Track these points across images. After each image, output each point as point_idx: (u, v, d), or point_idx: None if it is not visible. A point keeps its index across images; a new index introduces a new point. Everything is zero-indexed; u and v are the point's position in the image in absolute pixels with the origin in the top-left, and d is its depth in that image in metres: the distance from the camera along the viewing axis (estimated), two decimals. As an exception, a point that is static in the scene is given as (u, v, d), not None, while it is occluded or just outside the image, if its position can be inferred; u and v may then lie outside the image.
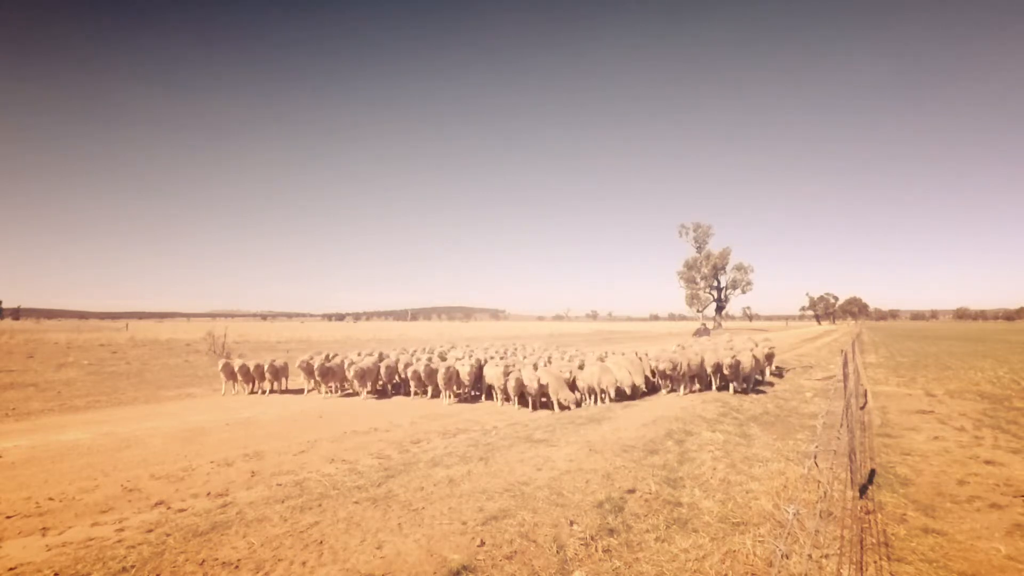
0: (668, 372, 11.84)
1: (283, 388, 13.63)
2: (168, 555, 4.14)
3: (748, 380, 12.82)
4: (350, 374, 12.35)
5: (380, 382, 13.24)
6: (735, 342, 17.84)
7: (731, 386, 12.27)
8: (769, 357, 15.31)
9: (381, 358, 13.94)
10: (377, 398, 12.50)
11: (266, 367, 13.00)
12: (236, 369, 13.09)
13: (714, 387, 12.51)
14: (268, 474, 6.52)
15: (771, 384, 14.26)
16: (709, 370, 12.28)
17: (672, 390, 12.19)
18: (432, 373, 12.19)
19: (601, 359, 13.54)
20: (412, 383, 12.43)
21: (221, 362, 13.37)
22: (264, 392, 13.30)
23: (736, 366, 11.96)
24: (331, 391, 13.29)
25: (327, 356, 14.33)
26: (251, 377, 13.32)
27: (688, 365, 12.11)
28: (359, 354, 14.91)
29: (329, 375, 12.92)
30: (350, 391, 13.33)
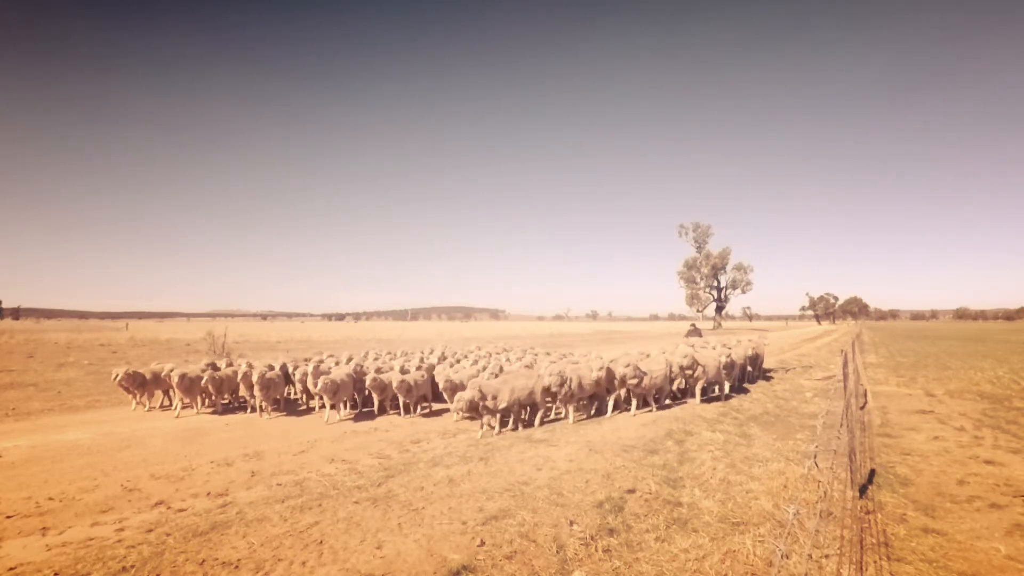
0: (554, 389, 8.85)
1: (233, 403, 10.96)
2: (168, 555, 4.14)
3: (706, 390, 11.00)
4: (316, 387, 9.53)
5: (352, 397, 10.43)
6: (736, 344, 17.31)
7: (696, 395, 10.56)
8: (734, 363, 11.91)
9: (358, 369, 10.90)
10: (355, 420, 9.65)
11: (206, 379, 10.01)
12: (149, 378, 10.36)
13: (633, 407, 9.72)
14: (268, 474, 6.52)
15: (745, 392, 12.58)
16: (617, 384, 9.58)
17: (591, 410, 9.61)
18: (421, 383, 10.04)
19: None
20: (374, 394, 9.99)
21: (120, 372, 10.23)
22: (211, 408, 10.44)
23: (640, 380, 9.40)
24: (276, 409, 10.43)
25: (300, 361, 11.77)
26: (166, 388, 10.63)
27: (579, 382, 9.14)
28: (323, 357, 12.52)
29: (273, 388, 10.06)
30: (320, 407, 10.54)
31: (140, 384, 10.44)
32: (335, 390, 9.54)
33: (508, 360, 12.65)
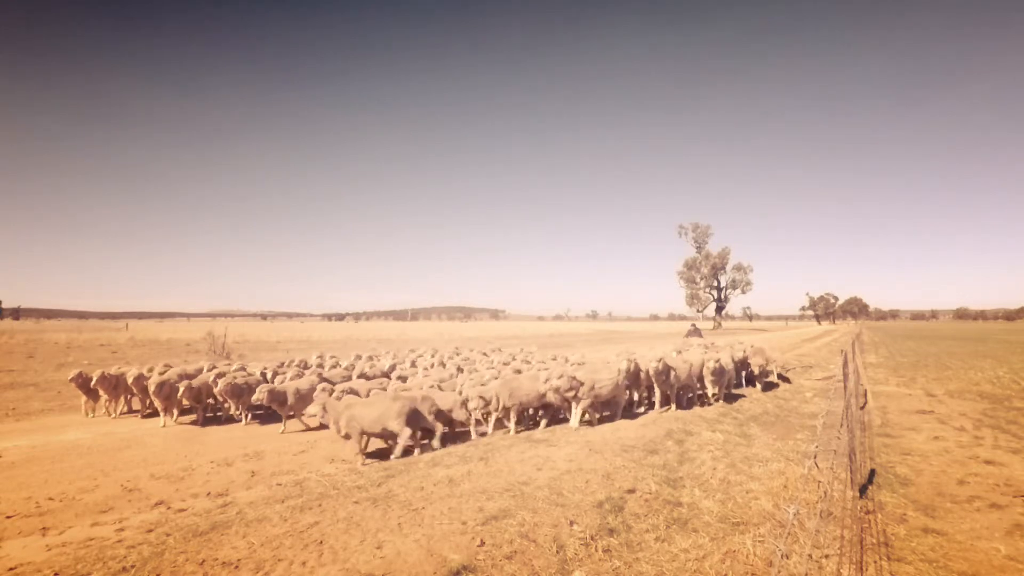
0: (472, 405, 8.22)
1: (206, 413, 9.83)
2: (168, 555, 4.14)
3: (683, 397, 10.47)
4: (257, 396, 8.60)
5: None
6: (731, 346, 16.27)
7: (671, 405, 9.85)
8: (723, 369, 10.76)
9: (321, 376, 10.08)
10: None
11: (182, 389, 9.17)
12: (95, 383, 9.68)
13: (574, 419, 8.53)
14: (268, 474, 6.53)
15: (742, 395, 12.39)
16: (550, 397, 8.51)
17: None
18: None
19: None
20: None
21: (95, 374, 9.86)
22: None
23: (575, 391, 8.33)
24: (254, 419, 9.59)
25: (289, 367, 11.09)
26: (121, 393, 10.01)
27: (513, 396, 8.35)
28: (312, 359, 12.17)
29: (246, 395, 9.25)
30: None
31: (112, 387, 9.85)
32: (282, 400, 8.84)
33: (489, 366, 11.99)
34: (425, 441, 7.67)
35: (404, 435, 7.18)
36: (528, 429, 8.67)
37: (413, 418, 7.36)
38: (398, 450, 7.16)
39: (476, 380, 9.37)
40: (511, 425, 8.45)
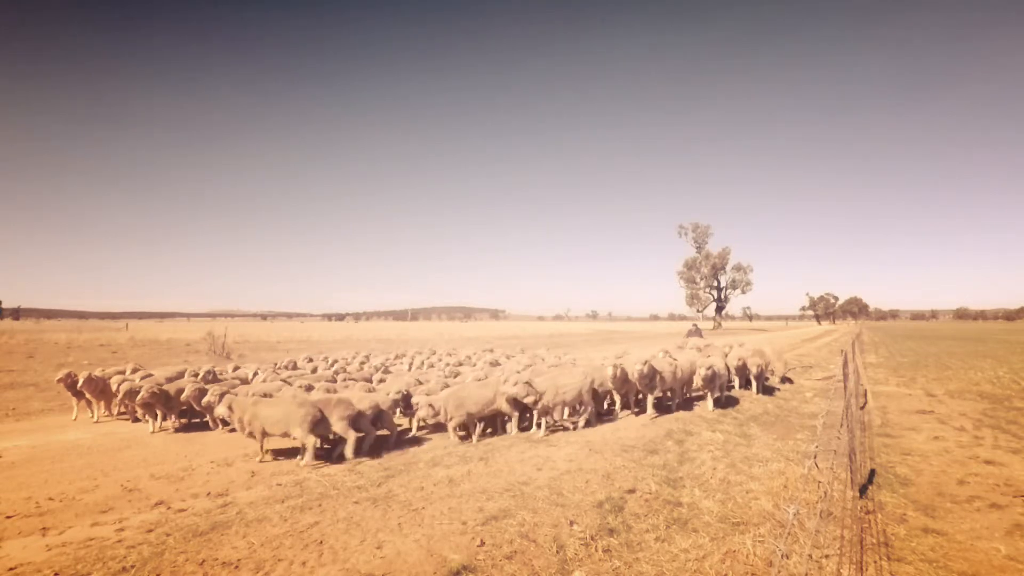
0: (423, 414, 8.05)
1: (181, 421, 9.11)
2: (168, 555, 4.14)
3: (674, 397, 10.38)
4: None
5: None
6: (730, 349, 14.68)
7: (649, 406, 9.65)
8: (715, 375, 10.29)
9: (287, 380, 9.63)
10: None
11: (143, 393, 8.42)
12: (81, 384, 9.28)
13: (542, 427, 8.32)
14: (268, 474, 6.52)
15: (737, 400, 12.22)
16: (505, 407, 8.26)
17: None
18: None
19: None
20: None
21: (82, 376, 9.44)
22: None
23: (536, 399, 8.12)
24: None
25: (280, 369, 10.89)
26: (110, 396, 9.45)
27: (461, 406, 8.04)
28: (279, 365, 11.79)
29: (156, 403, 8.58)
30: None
31: (100, 391, 9.48)
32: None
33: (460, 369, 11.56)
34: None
35: (309, 441, 6.73)
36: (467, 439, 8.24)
37: (320, 424, 6.89)
38: (307, 456, 6.74)
39: (461, 381, 9.40)
40: (451, 432, 8.22)
